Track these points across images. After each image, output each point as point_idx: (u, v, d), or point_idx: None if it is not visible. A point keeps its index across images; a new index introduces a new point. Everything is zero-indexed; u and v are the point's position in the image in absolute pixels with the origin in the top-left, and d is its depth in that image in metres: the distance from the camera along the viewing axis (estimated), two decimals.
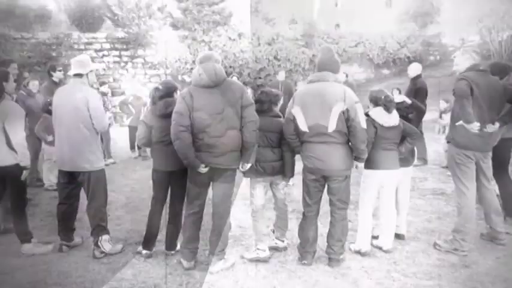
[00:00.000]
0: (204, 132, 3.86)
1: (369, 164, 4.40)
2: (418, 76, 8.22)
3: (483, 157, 4.57)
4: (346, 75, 9.48)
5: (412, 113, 4.81)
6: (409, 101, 4.73)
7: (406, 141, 4.56)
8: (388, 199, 4.59)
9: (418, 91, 7.87)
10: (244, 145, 4.01)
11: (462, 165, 4.52)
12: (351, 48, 20.04)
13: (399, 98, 4.80)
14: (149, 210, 4.54)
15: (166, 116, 4.21)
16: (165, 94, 4.38)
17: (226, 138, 3.89)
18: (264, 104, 4.33)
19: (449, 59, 19.83)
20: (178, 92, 4.51)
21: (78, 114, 4.29)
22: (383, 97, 4.45)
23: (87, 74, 4.47)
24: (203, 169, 3.92)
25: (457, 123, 4.48)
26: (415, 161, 5.67)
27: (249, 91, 10.90)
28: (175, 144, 3.87)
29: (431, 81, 10.89)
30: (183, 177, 4.35)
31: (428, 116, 8.38)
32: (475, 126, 4.31)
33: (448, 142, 4.73)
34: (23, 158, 4.40)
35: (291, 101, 4.15)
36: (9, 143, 4.38)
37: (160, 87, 4.46)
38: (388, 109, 4.43)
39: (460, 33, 20.39)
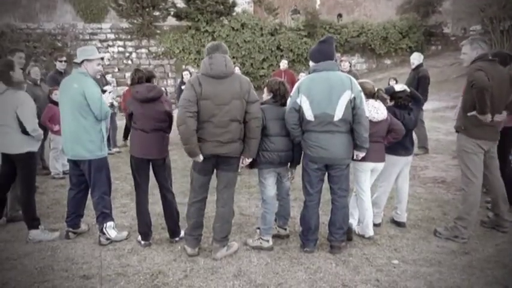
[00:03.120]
0: (208, 121, 3.87)
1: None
2: (420, 65, 8.40)
3: (493, 145, 4.60)
4: (350, 65, 9.47)
5: (411, 102, 4.81)
6: (408, 90, 4.73)
7: (390, 135, 4.56)
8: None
9: (421, 79, 8.07)
10: (247, 141, 4.05)
11: (472, 154, 4.50)
12: (353, 39, 19.92)
13: (399, 86, 4.78)
14: (135, 201, 4.55)
15: (149, 101, 4.24)
16: (145, 78, 4.36)
17: (230, 129, 3.91)
18: (285, 97, 4.31)
19: (451, 49, 19.73)
20: (154, 80, 4.51)
21: (75, 104, 4.32)
22: None
23: (87, 63, 4.46)
24: (200, 158, 3.92)
25: (469, 114, 4.45)
26: (416, 150, 5.70)
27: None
28: (180, 129, 3.83)
29: (433, 71, 10.90)
30: (164, 164, 4.42)
31: (429, 106, 8.39)
32: (488, 117, 4.32)
33: (457, 132, 4.69)
34: (39, 138, 4.69)
35: (295, 90, 4.11)
36: (24, 130, 4.49)
37: (141, 69, 4.46)
38: None
39: (462, 22, 20.26)
